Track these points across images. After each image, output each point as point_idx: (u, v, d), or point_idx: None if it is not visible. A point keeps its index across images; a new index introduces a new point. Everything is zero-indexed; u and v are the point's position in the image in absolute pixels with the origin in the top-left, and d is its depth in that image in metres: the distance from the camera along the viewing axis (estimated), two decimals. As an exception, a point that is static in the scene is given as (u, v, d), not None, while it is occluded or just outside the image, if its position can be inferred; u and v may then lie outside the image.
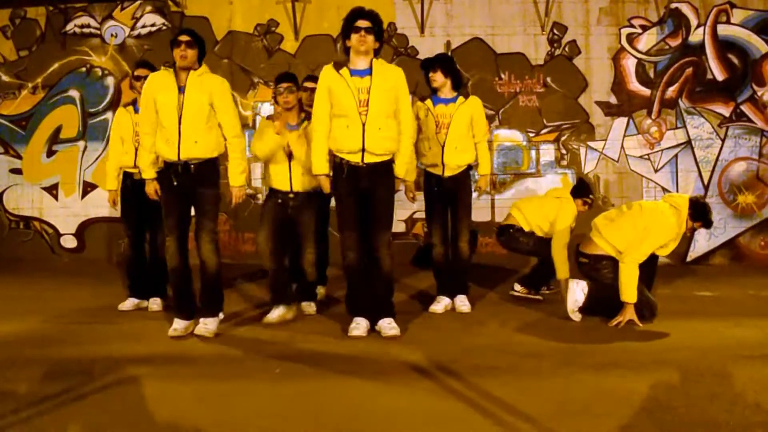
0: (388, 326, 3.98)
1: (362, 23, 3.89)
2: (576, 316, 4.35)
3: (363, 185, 3.97)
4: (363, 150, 3.90)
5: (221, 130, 4.04)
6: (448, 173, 4.64)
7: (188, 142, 3.89)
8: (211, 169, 4.04)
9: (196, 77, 3.95)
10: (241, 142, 4.13)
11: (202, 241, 4.02)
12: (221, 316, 4.16)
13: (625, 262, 4.14)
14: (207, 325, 3.97)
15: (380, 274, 4.03)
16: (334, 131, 3.97)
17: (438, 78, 4.62)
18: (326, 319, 4.51)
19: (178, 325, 4.03)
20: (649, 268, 4.40)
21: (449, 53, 7.13)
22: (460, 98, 4.69)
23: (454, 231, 4.73)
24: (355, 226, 4.02)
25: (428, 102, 4.69)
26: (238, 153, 4.09)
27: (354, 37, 3.89)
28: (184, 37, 3.94)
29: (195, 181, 3.98)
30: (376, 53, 4.00)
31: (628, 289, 4.11)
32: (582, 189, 5.27)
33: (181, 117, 3.89)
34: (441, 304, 4.71)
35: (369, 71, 3.92)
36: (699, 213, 4.26)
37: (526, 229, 5.14)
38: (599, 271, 4.36)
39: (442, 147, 4.60)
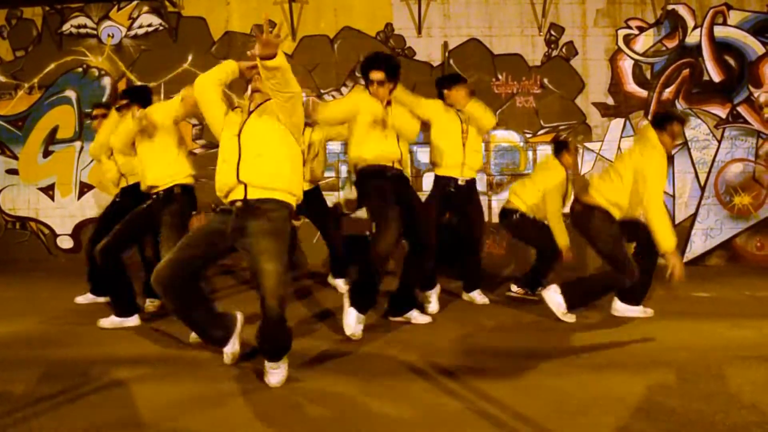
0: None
1: (376, 75, 4.00)
2: (569, 318, 4.35)
3: (399, 189, 4.09)
4: (400, 160, 4.12)
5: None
6: (467, 175, 4.81)
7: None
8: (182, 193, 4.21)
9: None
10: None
11: None
12: None
13: (649, 211, 4.10)
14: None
15: (431, 258, 4.20)
16: (369, 142, 4.06)
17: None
18: (324, 321, 4.51)
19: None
20: (649, 259, 4.41)
21: (446, 54, 7.15)
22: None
23: (472, 237, 4.89)
24: (400, 222, 3.97)
25: (452, 110, 4.82)
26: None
27: (370, 88, 4.07)
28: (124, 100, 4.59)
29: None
30: (394, 85, 4.12)
31: (666, 236, 4.05)
32: (559, 145, 5.34)
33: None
34: (433, 302, 4.67)
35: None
36: (661, 121, 4.32)
37: (529, 213, 5.14)
38: (590, 221, 4.35)
39: (464, 149, 4.78)
